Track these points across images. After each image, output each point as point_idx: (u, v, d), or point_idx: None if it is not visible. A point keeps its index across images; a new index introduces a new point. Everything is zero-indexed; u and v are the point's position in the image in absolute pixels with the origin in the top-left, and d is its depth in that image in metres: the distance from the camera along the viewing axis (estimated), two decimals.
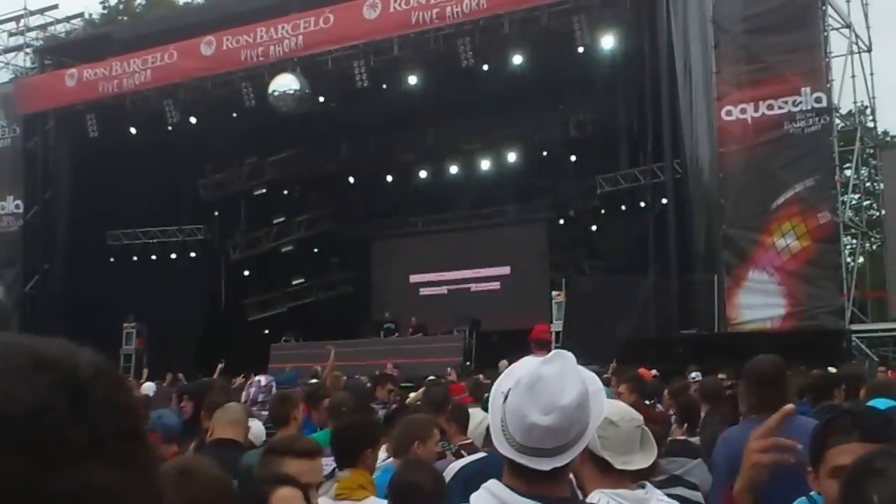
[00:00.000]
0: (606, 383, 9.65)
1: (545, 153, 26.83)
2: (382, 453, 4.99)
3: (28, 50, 29.28)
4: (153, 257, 28.31)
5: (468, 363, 21.24)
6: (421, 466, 4.00)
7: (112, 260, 27.98)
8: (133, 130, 25.89)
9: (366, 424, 4.68)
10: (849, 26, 19.74)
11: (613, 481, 3.02)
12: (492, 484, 2.25)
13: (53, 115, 27.20)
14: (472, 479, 3.56)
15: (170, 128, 25.13)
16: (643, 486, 3.05)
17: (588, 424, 2.19)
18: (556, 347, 19.15)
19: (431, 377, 13.49)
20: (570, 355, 2.21)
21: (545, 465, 2.15)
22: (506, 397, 2.21)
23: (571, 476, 2.67)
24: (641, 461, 3.14)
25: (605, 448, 3.03)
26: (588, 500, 2.84)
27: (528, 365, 2.22)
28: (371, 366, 17.75)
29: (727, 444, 4.50)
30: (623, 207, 23.29)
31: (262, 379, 9.71)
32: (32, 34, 29.51)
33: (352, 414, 6.13)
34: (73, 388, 0.76)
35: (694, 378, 12.44)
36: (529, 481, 2.17)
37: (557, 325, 21.11)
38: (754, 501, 2.38)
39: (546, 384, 2.14)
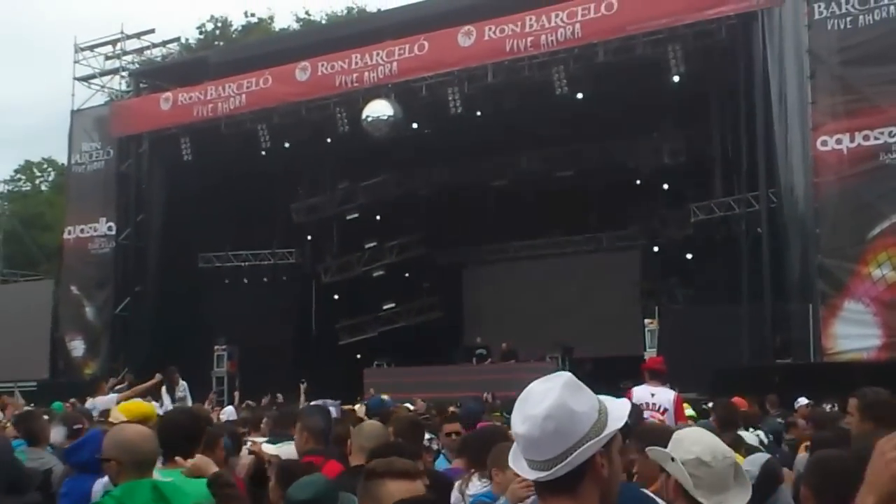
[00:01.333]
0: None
1: (638, 181, 27.92)
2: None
3: (124, 73, 30.75)
4: (245, 280, 29.72)
5: None
6: None
7: (203, 282, 29.40)
8: (227, 154, 27.31)
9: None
10: None
11: None
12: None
13: (147, 139, 28.77)
14: None
15: (263, 152, 26.54)
16: None
17: (575, 443, 2.26)
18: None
19: None
20: (569, 375, 2.35)
21: (533, 476, 2.31)
22: None
23: None
24: (734, 500, 3.32)
25: (698, 487, 3.27)
26: None
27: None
28: (466, 396, 18.99)
29: None
30: (717, 236, 24.29)
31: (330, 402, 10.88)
32: (128, 58, 31.03)
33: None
34: None
35: (803, 405, 13.53)
36: (544, 496, 2.34)
37: (650, 353, 22.34)
38: None
39: (528, 397, 2.32)
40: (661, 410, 8.89)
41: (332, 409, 10.50)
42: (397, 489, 3.19)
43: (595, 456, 2.28)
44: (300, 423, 6.42)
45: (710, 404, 11.46)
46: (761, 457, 5.13)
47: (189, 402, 19.57)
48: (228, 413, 15.64)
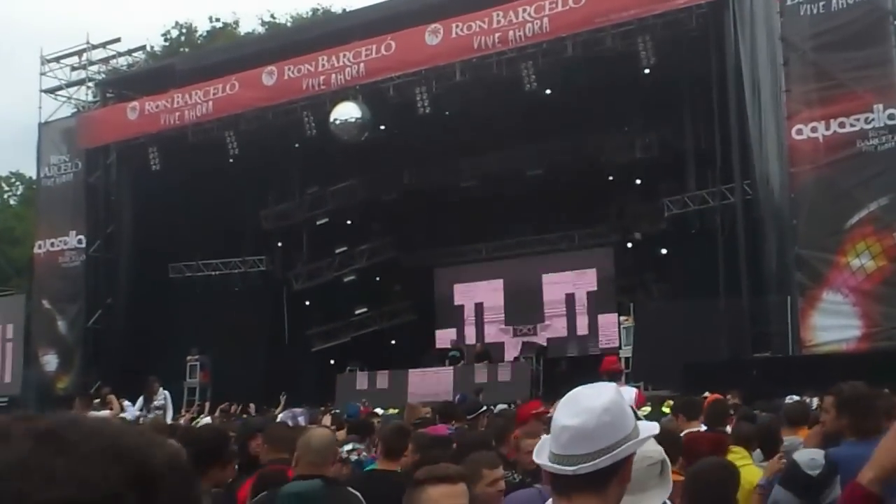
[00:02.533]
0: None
1: (610, 177, 27.17)
2: None
3: (90, 84, 30.00)
4: (215, 289, 28.85)
5: (537, 392, 21.58)
6: None
7: (174, 293, 28.59)
8: (195, 162, 26.49)
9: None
10: None
11: None
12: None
13: (115, 149, 28.05)
14: None
15: (231, 159, 25.80)
16: None
17: (622, 438, 2.30)
18: (626, 373, 19.64)
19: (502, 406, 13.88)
20: (612, 384, 2.48)
21: (570, 469, 2.26)
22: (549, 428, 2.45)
23: None
24: (652, 500, 3.21)
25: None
26: None
27: None
28: (438, 396, 18.24)
29: (849, 462, 4.37)
30: (692, 230, 23.48)
31: (281, 414, 10.44)
32: (94, 68, 30.23)
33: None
34: (144, 479, 0.83)
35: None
36: (570, 499, 2.29)
37: (626, 351, 21.46)
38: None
39: (579, 395, 2.36)
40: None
41: (300, 418, 10.64)
42: (438, 494, 3.31)
43: (630, 457, 2.34)
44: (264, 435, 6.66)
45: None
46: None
47: (170, 411, 18.80)
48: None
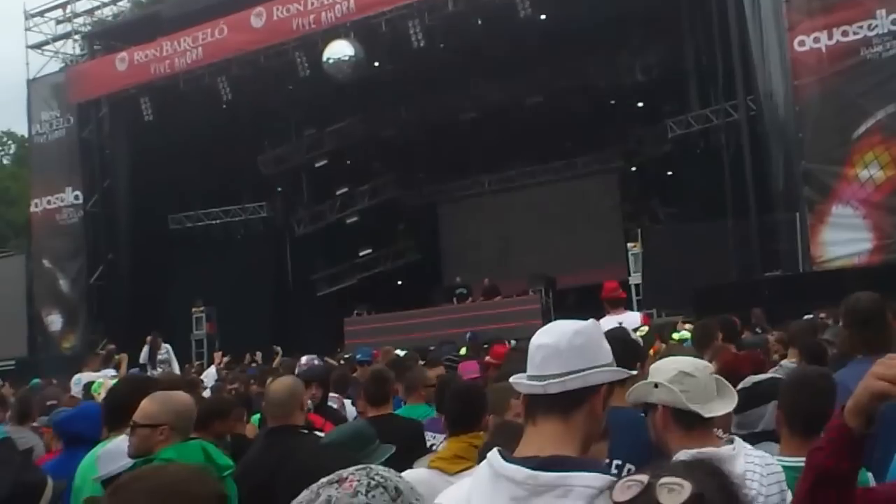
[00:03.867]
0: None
1: (612, 101, 26.97)
2: None
3: (76, 36, 29.75)
4: (217, 238, 29.00)
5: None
6: None
7: (176, 244, 28.62)
8: (188, 111, 26.45)
9: (474, 390, 4.82)
10: None
11: (698, 439, 3.23)
12: (491, 453, 2.33)
13: (107, 102, 27.93)
14: None
15: (225, 106, 25.63)
16: (731, 442, 3.25)
17: (595, 364, 2.32)
18: (637, 300, 19.67)
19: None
20: (595, 320, 2.48)
21: (538, 388, 2.29)
22: None
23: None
24: (722, 408, 3.39)
25: (690, 401, 3.28)
26: (676, 457, 2.89)
27: None
28: (449, 335, 18.32)
29: (844, 387, 4.22)
30: (696, 150, 23.37)
31: (303, 359, 10.43)
32: (80, 20, 29.95)
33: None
34: None
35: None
36: (534, 424, 2.33)
37: (636, 277, 21.50)
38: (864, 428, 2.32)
39: (557, 322, 2.44)
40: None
41: (315, 362, 10.58)
42: None
43: (602, 387, 2.34)
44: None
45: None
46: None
47: (175, 366, 19.10)
48: (210, 375, 15.40)
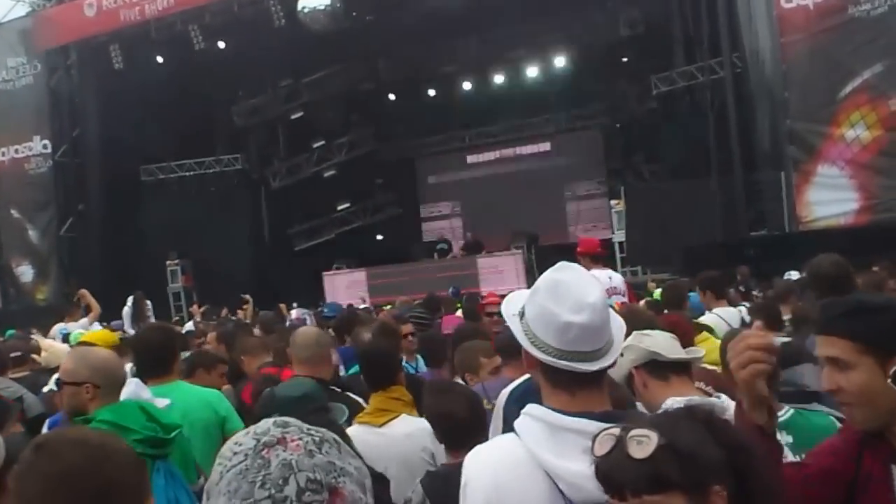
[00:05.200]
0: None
1: (595, 56, 26.85)
2: None
3: None
4: (191, 190, 28.79)
5: (533, 281, 21.76)
6: (455, 393, 4.15)
7: (148, 196, 28.50)
8: (160, 59, 26.23)
9: (383, 351, 5.02)
10: None
11: (678, 388, 3.35)
12: (532, 408, 2.34)
13: (75, 49, 27.46)
14: (522, 398, 3.57)
15: (197, 54, 25.32)
16: (719, 397, 3.33)
17: (614, 332, 2.39)
18: (621, 258, 19.89)
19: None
20: (578, 266, 2.44)
21: (589, 366, 2.29)
22: (521, 314, 2.42)
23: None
24: (697, 353, 3.60)
25: (653, 349, 3.47)
26: (663, 407, 2.99)
27: (540, 277, 2.44)
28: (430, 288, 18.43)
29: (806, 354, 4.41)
30: (681, 107, 23.36)
31: (294, 313, 10.46)
32: None
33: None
34: None
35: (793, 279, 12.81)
36: (573, 394, 2.31)
37: (619, 235, 21.72)
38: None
39: (567, 286, 2.34)
40: (622, 293, 8.51)
41: (306, 317, 11.55)
42: None
43: None
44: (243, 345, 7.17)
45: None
46: None
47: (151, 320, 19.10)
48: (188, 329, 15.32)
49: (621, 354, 3.24)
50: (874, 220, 17.81)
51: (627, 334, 3.46)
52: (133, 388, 4.44)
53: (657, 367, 3.44)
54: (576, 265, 2.41)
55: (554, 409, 2.28)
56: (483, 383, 4.91)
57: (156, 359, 5.01)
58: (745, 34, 19.50)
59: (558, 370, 2.30)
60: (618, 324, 2.43)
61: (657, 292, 12.24)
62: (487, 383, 4.86)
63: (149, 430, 3.82)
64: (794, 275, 14.10)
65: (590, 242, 9.49)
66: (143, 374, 4.90)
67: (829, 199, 18.41)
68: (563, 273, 2.38)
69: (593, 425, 2.12)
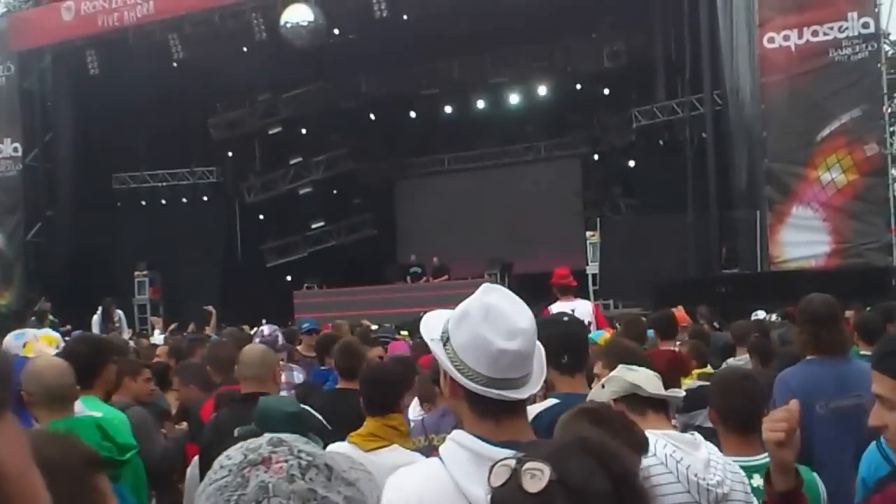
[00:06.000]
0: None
1: (578, 85, 27.49)
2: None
3: None
4: (163, 202, 29.11)
5: None
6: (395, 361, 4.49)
7: (119, 205, 28.77)
8: (137, 67, 26.13)
9: (397, 372, 5.07)
10: None
11: (654, 424, 3.45)
12: (458, 435, 2.36)
13: (50, 52, 27.64)
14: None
15: (175, 64, 25.70)
16: (692, 435, 3.42)
17: (536, 357, 2.42)
18: (594, 290, 20.38)
19: None
20: (504, 288, 2.46)
21: (518, 394, 2.33)
22: (445, 340, 2.40)
23: None
24: (670, 393, 3.66)
25: (635, 382, 3.57)
26: None
27: (467, 300, 2.41)
28: (403, 314, 18.82)
29: (787, 385, 4.76)
30: (660, 142, 24.03)
31: (266, 329, 10.81)
32: None
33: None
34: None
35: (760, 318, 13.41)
36: (499, 423, 2.34)
37: (593, 267, 22.24)
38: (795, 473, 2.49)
39: (500, 311, 2.33)
40: (587, 324, 8.51)
41: (278, 334, 10.45)
42: None
43: None
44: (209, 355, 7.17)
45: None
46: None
47: (125, 332, 19.52)
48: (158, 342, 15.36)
49: (602, 386, 3.65)
50: (845, 264, 18.37)
51: (613, 366, 3.86)
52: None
53: (636, 402, 3.53)
54: (504, 288, 2.44)
55: (480, 438, 2.31)
56: (423, 418, 5.15)
57: (78, 371, 4.70)
58: (727, 72, 20.02)
59: (485, 399, 2.32)
60: (539, 351, 2.45)
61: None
62: (426, 417, 5.07)
63: (103, 449, 3.75)
64: (761, 314, 14.68)
65: (559, 274, 9.90)
66: None
67: (802, 240, 18.95)
68: (494, 297, 2.38)
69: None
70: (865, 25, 18.62)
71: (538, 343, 2.43)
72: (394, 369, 5.25)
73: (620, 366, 3.75)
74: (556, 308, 8.89)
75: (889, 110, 19.73)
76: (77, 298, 22.93)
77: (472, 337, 2.31)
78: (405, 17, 23.99)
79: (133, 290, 27.07)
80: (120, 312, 20.24)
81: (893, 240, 18.61)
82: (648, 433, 3.11)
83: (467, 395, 2.35)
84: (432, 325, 2.47)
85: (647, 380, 3.61)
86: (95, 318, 19.84)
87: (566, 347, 4.26)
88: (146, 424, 5.67)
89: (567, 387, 4.23)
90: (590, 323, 8.81)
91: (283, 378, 7.27)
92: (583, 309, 9.20)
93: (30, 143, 28.00)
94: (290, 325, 20.10)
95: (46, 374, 4.23)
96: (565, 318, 5.01)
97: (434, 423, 4.61)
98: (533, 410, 3.73)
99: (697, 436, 3.39)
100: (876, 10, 18.93)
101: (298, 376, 8.72)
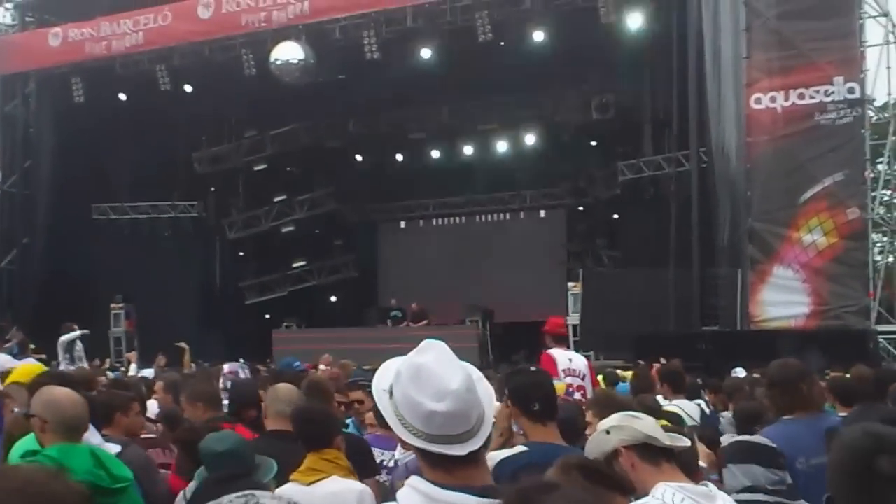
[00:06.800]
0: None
1: (565, 136, 28.15)
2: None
3: (8, 5, 29.70)
4: (143, 234, 29.41)
5: (488, 358, 22.70)
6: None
7: (97, 235, 28.89)
8: (122, 97, 26.97)
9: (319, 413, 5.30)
10: (885, 15, 20.61)
11: (670, 475, 3.45)
12: (414, 480, 2.47)
13: (35, 77, 28.08)
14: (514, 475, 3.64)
15: (162, 96, 26.06)
16: (706, 485, 3.44)
17: (484, 409, 2.48)
18: (575, 341, 20.88)
19: None
20: (442, 344, 2.51)
21: (460, 450, 2.40)
22: (390, 393, 2.49)
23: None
24: (681, 441, 3.68)
25: (650, 433, 3.57)
26: (653, 492, 3.21)
27: (402, 359, 2.50)
28: (383, 357, 19.20)
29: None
30: (645, 196, 24.77)
31: (226, 366, 11.08)
32: None
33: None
34: None
35: (740, 376, 13.53)
36: (450, 471, 2.41)
37: (574, 318, 22.72)
38: None
39: (428, 372, 2.40)
40: (581, 375, 9.02)
41: (239, 370, 11.13)
42: None
43: None
44: (189, 392, 6.86)
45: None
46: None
47: (84, 361, 19.68)
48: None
49: (607, 432, 3.61)
50: (823, 326, 18.87)
51: (605, 416, 3.91)
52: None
53: (649, 452, 3.52)
54: (439, 344, 2.51)
55: (434, 483, 2.41)
56: (407, 461, 5.20)
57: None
58: (714, 130, 20.63)
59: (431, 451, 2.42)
60: (488, 396, 2.54)
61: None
62: (409, 460, 5.03)
63: (92, 476, 3.93)
64: (740, 372, 15.18)
65: (555, 322, 10.06)
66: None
67: (782, 300, 19.48)
68: (425, 356, 2.44)
69: (472, 500, 2.34)
70: (851, 90, 19.25)
71: (486, 394, 2.54)
72: (320, 405, 5.66)
73: (622, 413, 3.76)
74: (556, 353, 9.09)
75: (871, 175, 20.26)
76: (49, 329, 23.08)
77: (405, 398, 2.43)
78: (395, 60, 24.47)
79: (109, 322, 27.21)
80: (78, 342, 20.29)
81: (872, 304, 19.14)
82: (664, 485, 3.20)
83: (414, 447, 2.48)
84: (384, 375, 2.56)
85: (656, 429, 3.64)
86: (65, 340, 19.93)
87: (535, 396, 4.44)
88: (148, 466, 5.69)
89: (540, 435, 4.39)
90: (584, 376, 9.08)
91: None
92: (578, 360, 9.37)
93: (9, 168, 28.36)
94: (269, 363, 20.55)
95: (63, 403, 4.44)
96: (532, 369, 5.33)
97: (416, 466, 4.81)
98: (497, 456, 4.04)
99: (712, 487, 3.43)
100: (862, 75, 19.53)
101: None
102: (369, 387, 8.24)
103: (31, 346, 17.76)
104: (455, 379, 2.39)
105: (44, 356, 18.52)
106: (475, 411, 2.43)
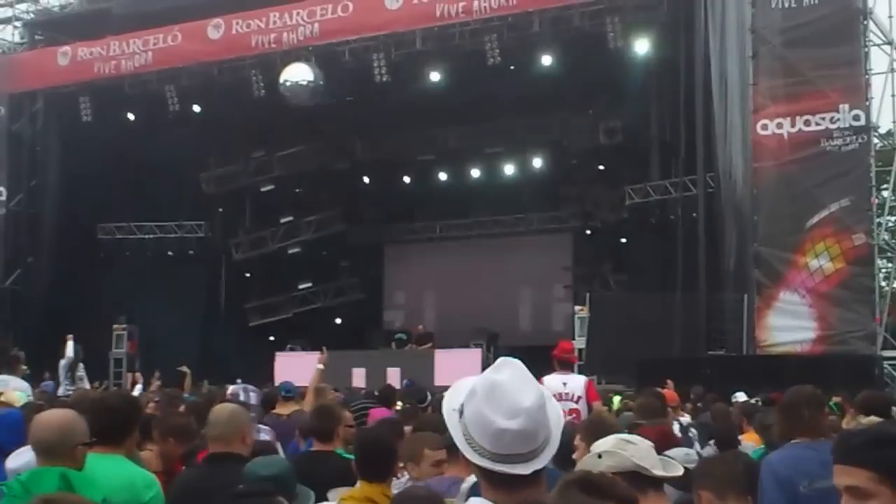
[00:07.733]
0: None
1: (573, 160, 28.89)
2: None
3: (17, 23, 30.42)
4: (148, 254, 29.89)
5: None
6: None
7: (102, 255, 29.54)
8: (131, 116, 27.53)
9: (384, 436, 5.33)
10: (890, 43, 21.37)
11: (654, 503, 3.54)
12: (475, 501, 2.55)
13: (43, 96, 28.69)
14: None
15: (171, 116, 26.61)
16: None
17: (551, 430, 2.54)
18: (579, 364, 21.43)
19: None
20: (518, 363, 2.58)
21: (524, 468, 2.46)
22: (461, 412, 2.55)
23: None
24: (674, 470, 3.74)
25: (640, 462, 3.63)
26: None
27: (477, 377, 2.57)
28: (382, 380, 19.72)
29: (773, 468, 4.93)
30: (652, 220, 25.36)
31: (230, 388, 11.31)
32: (23, 6, 30.63)
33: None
34: None
35: (740, 401, 13.97)
36: (510, 491, 2.47)
37: (580, 342, 23.19)
38: None
39: (503, 389, 2.48)
40: (575, 399, 9.42)
41: (251, 394, 11.20)
42: None
43: None
44: (160, 429, 6.60)
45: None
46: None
47: (85, 382, 20.14)
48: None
49: (599, 456, 3.67)
50: (829, 351, 19.40)
51: (593, 441, 3.96)
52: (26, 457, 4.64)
53: (637, 480, 3.52)
54: (515, 361, 2.58)
55: (494, 502, 2.49)
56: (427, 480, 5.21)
57: (108, 426, 4.80)
58: (720, 155, 21.20)
59: (494, 471, 2.48)
60: (556, 417, 2.60)
61: (616, 399, 13.81)
62: (433, 482, 5.07)
63: None
64: (741, 396, 15.75)
65: (562, 347, 10.43)
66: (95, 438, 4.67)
67: (789, 325, 20.00)
68: (501, 374, 2.52)
69: None
70: (857, 118, 19.87)
71: (555, 414, 2.60)
72: (388, 434, 5.54)
73: (617, 437, 3.82)
74: (548, 380, 9.31)
75: (877, 201, 20.81)
76: (51, 348, 23.53)
77: (476, 414, 2.49)
78: (405, 83, 25.10)
79: (111, 343, 27.48)
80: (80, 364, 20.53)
81: (878, 329, 19.66)
82: None
83: (478, 468, 2.53)
84: (455, 395, 2.63)
85: (649, 457, 3.68)
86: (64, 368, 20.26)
87: None
88: None
89: None
90: (579, 398, 9.45)
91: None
92: (574, 383, 9.69)
93: (15, 187, 28.81)
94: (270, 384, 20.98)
95: (35, 425, 4.47)
96: None
97: (443, 491, 4.60)
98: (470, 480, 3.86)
99: None
100: (867, 102, 20.16)
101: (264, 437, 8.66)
102: (361, 411, 8.54)
103: (23, 367, 18.29)
104: (529, 397, 2.48)
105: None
106: (543, 431, 2.51)
